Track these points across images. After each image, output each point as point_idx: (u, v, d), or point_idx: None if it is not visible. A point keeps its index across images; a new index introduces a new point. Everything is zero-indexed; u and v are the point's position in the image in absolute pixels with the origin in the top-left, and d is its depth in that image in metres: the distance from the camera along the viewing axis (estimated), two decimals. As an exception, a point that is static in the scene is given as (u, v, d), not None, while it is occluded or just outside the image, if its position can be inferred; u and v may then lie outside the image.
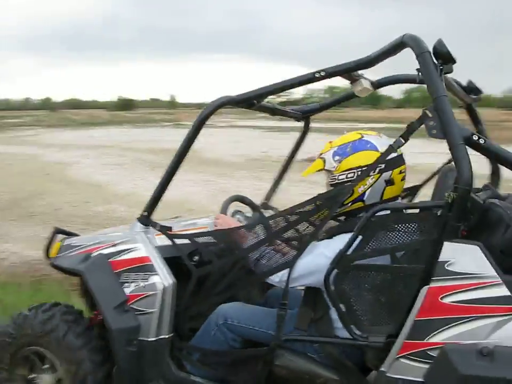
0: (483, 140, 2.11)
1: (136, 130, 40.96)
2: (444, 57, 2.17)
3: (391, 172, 2.41)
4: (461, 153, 2.02)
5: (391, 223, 2.20)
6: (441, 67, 2.15)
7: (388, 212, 2.25)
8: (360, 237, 2.17)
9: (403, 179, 2.45)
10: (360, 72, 2.49)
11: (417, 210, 2.25)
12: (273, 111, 3.17)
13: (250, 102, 2.75)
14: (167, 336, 2.66)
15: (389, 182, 2.42)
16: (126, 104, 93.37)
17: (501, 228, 2.03)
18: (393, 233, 2.18)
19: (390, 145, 2.29)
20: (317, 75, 2.42)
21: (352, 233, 2.19)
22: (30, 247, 8.38)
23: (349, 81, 2.60)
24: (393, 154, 2.36)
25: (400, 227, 2.18)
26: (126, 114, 66.08)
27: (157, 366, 2.69)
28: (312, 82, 2.51)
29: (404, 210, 2.33)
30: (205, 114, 2.68)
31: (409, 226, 2.17)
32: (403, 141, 2.24)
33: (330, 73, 2.41)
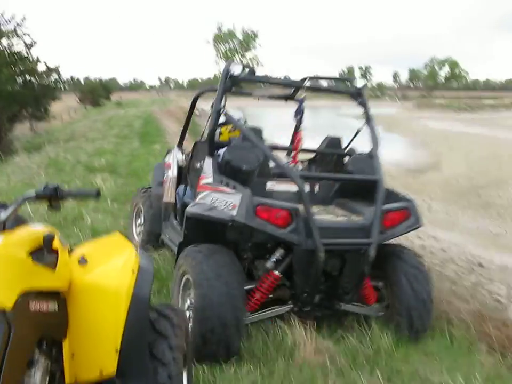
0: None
1: None
2: (229, 75, 4.20)
3: (220, 128, 4.89)
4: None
5: None
6: (229, 80, 4.17)
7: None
8: None
9: (229, 132, 5.06)
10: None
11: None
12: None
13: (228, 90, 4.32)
14: (171, 201, 5.24)
15: (220, 134, 5.00)
16: None
17: None
18: None
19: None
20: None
21: None
22: (474, 241, 7.87)
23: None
24: (224, 119, 4.51)
25: None
26: None
27: (166, 216, 5.40)
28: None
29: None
30: (193, 99, 5.68)
31: None
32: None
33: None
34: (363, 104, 4.66)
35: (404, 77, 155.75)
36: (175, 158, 5.42)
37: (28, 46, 18.21)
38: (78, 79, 77.52)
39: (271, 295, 3.94)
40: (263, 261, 4.02)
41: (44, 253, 2.02)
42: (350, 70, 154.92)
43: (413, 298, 3.95)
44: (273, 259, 3.89)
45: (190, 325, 3.47)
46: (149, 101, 56.63)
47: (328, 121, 45.97)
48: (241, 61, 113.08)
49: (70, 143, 17.55)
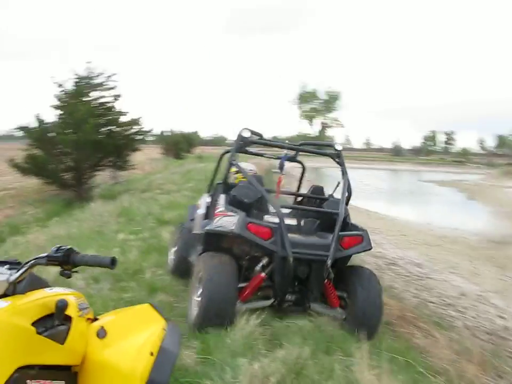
0: None
1: None
2: (240, 138, 5.85)
3: (236, 174, 6.75)
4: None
5: None
6: (241, 142, 5.83)
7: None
8: None
9: (242, 177, 6.45)
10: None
11: None
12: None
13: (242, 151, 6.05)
14: (199, 232, 6.11)
15: (235, 178, 6.78)
16: None
17: None
18: None
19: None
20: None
21: None
22: None
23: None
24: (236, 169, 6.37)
25: None
26: None
27: (195, 244, 6.25)
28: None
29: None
30: (220, 156, 7.15)
31: None
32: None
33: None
34: (341, 164, 6.15)
35: (490, 142, 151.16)
36: (204, 200, 6.73)
37: (114, 98, 19.05)
38: (163, 132, 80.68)
39: (259, 292, 5.49)
40: (255, 268, 5.45)
41: (54, 322, 1.79)
42: (434, 135, 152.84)
43: (367, 305, 5.19)
44: (261, 264, 5.39)
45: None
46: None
47: (411, 187, 45.07)
48: (323, 122, 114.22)
49: (146, 193, 17.85)
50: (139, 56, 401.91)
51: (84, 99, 18.05)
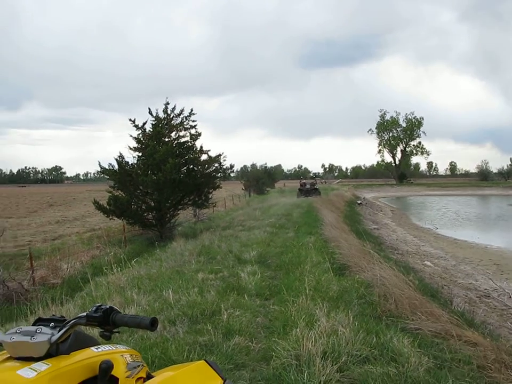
0: None
1: None
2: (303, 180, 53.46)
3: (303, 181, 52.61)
4: None
5: None
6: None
7: None
8: None
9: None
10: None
11: None
12: None
13: None
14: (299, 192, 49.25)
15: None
16: None
17: None
18: None
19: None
20: None
21: None
22: None
23: None
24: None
25: None
26: None
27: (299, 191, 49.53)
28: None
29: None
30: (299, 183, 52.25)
31: None
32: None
33: None
34: (316, 180, 58.20)
35: None
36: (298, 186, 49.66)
37: (193, 137, 19.35)
38: (245, 166, 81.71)
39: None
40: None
41: None
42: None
43: (318, 194, 45.20)
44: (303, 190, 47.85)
45: None
46: (311, 189, 58.11)
47: (502, 211, 43.00)
48: (405, 149, 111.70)
49: (227, 230, 17.92)
50: (223, 92, 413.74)
51: (164, 139, 18.45)
